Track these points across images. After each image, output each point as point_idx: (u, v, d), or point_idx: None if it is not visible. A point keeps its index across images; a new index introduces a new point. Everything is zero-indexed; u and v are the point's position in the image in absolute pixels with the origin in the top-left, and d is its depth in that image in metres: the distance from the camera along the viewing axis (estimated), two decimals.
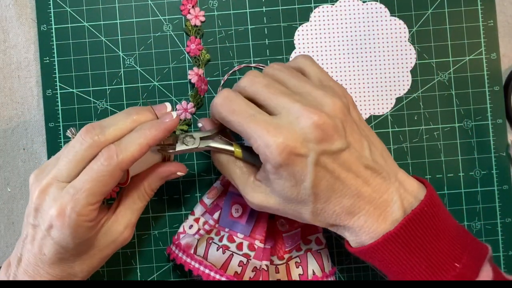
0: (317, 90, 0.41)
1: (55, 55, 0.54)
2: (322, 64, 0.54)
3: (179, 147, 0.45)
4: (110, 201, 0.54)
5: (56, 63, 0.54)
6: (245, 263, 0.48)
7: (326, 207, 0.41)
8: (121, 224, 0.46)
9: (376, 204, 0.41)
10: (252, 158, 0.44)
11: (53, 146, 0.54)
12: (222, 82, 0.53)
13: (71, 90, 0.54)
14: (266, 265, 0.49)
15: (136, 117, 0.44)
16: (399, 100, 0.55)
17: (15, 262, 0.45)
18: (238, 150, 0.45)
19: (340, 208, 0.41)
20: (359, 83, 0.54)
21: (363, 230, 0.41)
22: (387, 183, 0.41)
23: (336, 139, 0.39)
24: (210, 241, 0.50)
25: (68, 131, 0.46)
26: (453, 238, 0.41)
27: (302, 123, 0.39)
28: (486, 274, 0.41)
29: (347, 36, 0.54)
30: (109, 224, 0.45)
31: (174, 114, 0.44)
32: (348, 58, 0.54)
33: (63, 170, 0.42)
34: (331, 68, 0.54)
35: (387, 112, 0.54)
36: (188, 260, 0.49)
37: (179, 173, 0.48)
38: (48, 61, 0.54)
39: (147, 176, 0.47)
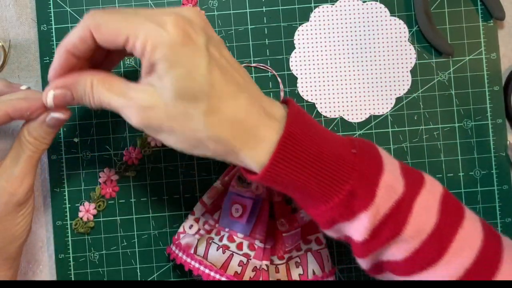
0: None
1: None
2: (322, 64, 0.54)
3: None
4: (110, 200, 0.54)
5: None
6: (245, 263, 0.48)
7: (222, 105, 0.37)
8: (5, 175, 0.42)
9: (265, 103, 0.38)
10: None
11: (53, 146, 0.54)
12: None
13: None
14: (266, 265, 0.49)
15: None
16: (399, 100, 0.55)
17: None
18: None
19: (238, 107, 0.37)
20: (359, 83, 0.54)
21: (261, 135, 0.37)
22: (253, 101, 0.38)
23: (213, 32, 0.38)
24: (210, 241, 0.50)
25: None
26: (338, 140, 0.40)
27: (184, 11, 0.37)
28: (390, 162, 0.40)
29: (347, 36, 0.54)
30: None
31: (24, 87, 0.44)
32: (348, 58, 0.54)
33: None
34: (331, 68, 0.54)
35: (387, 112, 0.54)
36: (188, 260, 0.49)
37: (61, 116, 0.42)
38: (48, 61, 0.54)
39: (27, 124, 0.43)
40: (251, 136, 0.38)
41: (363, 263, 0.42)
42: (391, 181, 0.39)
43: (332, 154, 0.38)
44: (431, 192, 0.41)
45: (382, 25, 0.54)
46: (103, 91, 0.39)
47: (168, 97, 0.37)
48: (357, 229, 0.39)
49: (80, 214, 0.54)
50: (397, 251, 0.40)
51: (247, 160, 0.38)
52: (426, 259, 0.40)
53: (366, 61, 0.54)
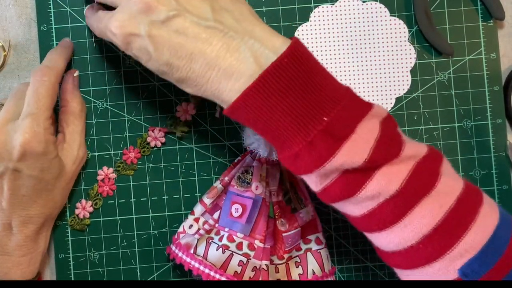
0: None
1: None
2: (322, 64, 0.54)
3: None
4: (110, 200, 0.54)
5: None
6: (245, 262, 0.48)
7: (183, 75, 0.41)
8: (75, 146, 0.51)
9: (226, 63, 0.40)
10: None
11: None
12: None
13: None
14: (266, 265, 0.49)
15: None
16: (398, 100, 0.55)
17: None
18: None
19: (193, 73, 0.41)
20: (359, 83, 0.54)
21: (221, 91, 0.41)
22: (237, 42, 0.40)
23: (160, 8, 0.41)
24: (210, 240, 0.50)
25: None
26: (323, 92, 0.40)
27: (131, 2, 0.41)
28: (368, 130, 0.40)
29: (347, 36, 0.54)
30: (67, 150, 0.51)
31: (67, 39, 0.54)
32: (348, 58, 0.54)
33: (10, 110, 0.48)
34: (331, 68, 0.54)
35: None
36: (188, 259, 0.49)
37: (75, 74, 0.53)
38: None
39: (66, 99, 0.52)
40: (220, 90, 0.41)
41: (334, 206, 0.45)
42: (349, 157, 0.39)
43: (291, 116, 0.39)
44: (405, 161, 0.41)
45: (382, 25, 0.54)
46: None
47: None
48: (309, 181, 0.43)
49: (76, 211, 0.54)
50: (354, 208, 0.42)
51: (221, 101, 0.42)
52: (382, 220, 0.41)
53: (366, 61, 0.54)
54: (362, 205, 0.41)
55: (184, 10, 0.41)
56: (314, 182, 0.42)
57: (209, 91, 0.41)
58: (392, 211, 0.41)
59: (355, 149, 0.40)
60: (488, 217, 0.42)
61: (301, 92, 0.39)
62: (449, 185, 0.42)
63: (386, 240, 0.42)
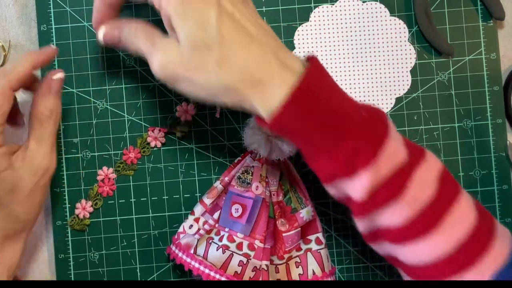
0: None
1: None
2: (322, 64, 0.54)
3: None
4: (110, 200, 0.54)
5: (56, 63, 0.54)
6: (245, 263, 0.48)
7: (233, 55, 0.39)
8: (37, 155, 0.46)
9: (282, 55, 0.40)
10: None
11: None
12: None
13: (71, 90, 0.54)
14: (266, 265, 0.49)
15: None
16: (399, 100, 0.55)
17: None
18: None
19: (248, 56, 0.39)
20: (359, 83, 0.54)
21: (272, 85, 0.39)
22: (281, 44, 0.42)
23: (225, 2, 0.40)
24: (210, 241, 0.50)
25: None
26: (348, 99, 0.42)
27: None
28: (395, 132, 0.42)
29: (347, 36, 0.54)
30: (27, 160, 0.46)
31: (53, 46, 0.50)
32: (348, 58, 0.54)
33: None
34: (331, 68, 0.54)
35: (387, 112, 0.54)
36: (188, 260, 0.49)
37: (55, 77, 0.48)
38: None
39: (36, 102, 0.47)
40: (261, 86, 0.39)
41: (360, 225, 0.44)
42: (394, 147, 0.41)
43: (341, 112, 0.40)
44: (431, 166, 0.42)
45: (382, 25, 0.54)
46: (141, 36, 0.43)
47: (184, 48, 0.40)
48: (356, 188, 0.40)
49: (76, 212, 0.54)
50: (393, 216, 0.41)
51: (258, 108, 0.40)
52: (421, 227, 0.41)
53: (366, 61, 0.54)
54: (401, 212, 0.41)
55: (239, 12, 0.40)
56: (364, 185, 0.40)
57: (255, 89, 0.39)
58: (430, 217, 0.41)
59: (397, 141, 0.41)
60: (504, 229, 0.44)
61: (331, 100, 0.40)
62: (468, 197, 0.44)
63: (420, 250, 0.42)
